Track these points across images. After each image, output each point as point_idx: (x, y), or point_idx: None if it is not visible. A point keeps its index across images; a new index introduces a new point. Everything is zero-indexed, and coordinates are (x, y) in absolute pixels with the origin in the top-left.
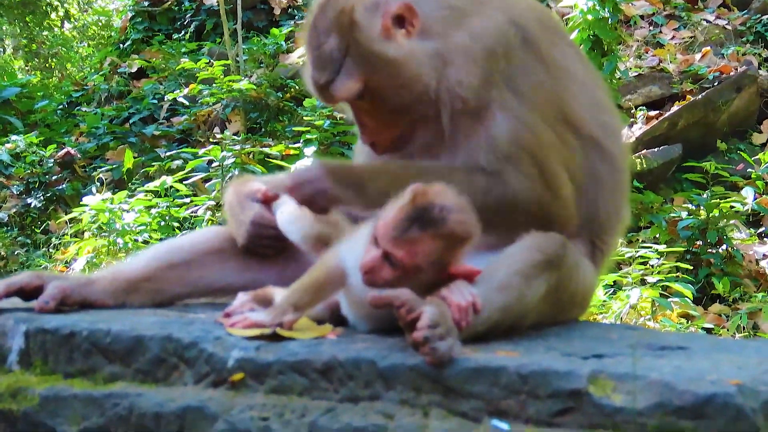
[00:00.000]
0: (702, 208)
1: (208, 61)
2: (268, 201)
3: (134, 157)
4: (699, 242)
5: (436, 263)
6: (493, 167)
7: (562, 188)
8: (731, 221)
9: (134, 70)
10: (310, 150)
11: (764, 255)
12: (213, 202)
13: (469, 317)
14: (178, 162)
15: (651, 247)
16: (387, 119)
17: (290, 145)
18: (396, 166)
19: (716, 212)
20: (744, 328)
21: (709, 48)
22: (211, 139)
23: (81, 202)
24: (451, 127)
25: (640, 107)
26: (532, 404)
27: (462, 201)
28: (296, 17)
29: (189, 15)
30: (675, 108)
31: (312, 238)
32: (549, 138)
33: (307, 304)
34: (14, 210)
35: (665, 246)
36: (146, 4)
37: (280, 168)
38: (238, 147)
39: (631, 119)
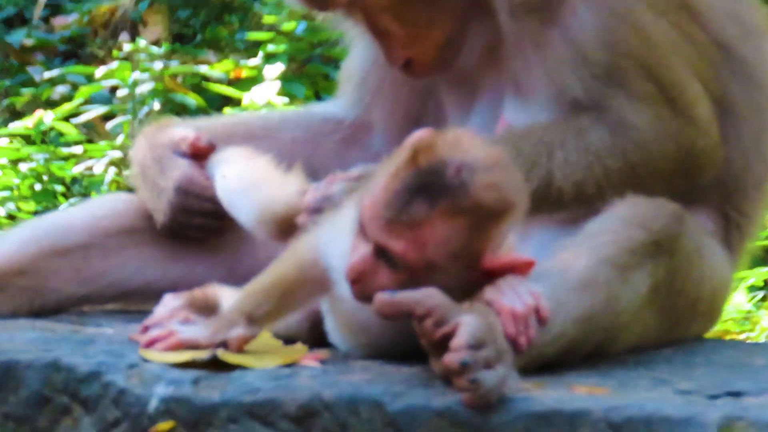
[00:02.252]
0: None
1: None
2: (200, 155)
3: None
4: None
5: (459, 256)
6: (595, 97)
7: (696, 106)
8: None
9: None
10: (273, 69)
11: None
12: (119, 154)
13: (531, 331)
14: (63, 88)
15: None
16: (425, 16)
17: (242, 62)
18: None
19: None
20: None
21: None
22: (115, 53)
23: None
24: (513, 29)
25: None
26: None
27: (493, 151)
28: None
29: None
30: None
31: (273, 219)
32: (663, 32)
33: (270, 314)
34: None
35: None
36: None
37: (226, 99)
38: (158, 65)
39: None
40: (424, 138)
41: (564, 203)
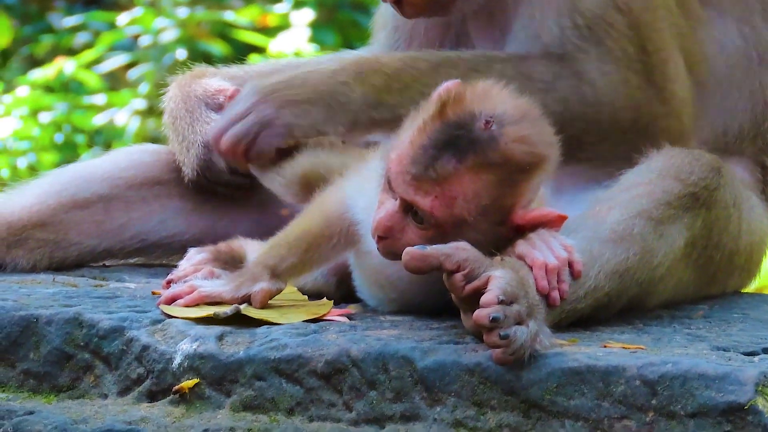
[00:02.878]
0: None
1: None
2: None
3: (11, 28)
4: None
5: (489, 212)
6: (567, 47)
7: (673, 81)
8: None
9: None
10: (301, 16)
11: None
12: (142, 104)
13: (564, 285)
14: (85, 36)
15: None
16: None
17: (269, 9)
18: (428, 59)
19: None
20: None
21: None
22: (138, 0)
23: None
24: None
25: None
26: (665, 428)
27: (523, 104)
28: None
29: None
30: None
31: (297, 181)
32: None
33: (294, 268)
34: None
35: None
36: None
37: (252, 47)
38: (182, 11)
39: None
40: (451, 90)
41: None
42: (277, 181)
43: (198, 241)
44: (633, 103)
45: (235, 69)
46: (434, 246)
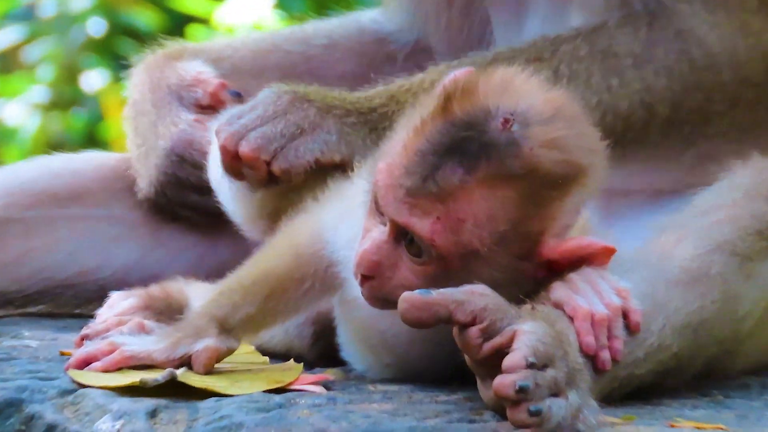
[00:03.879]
0: None
1: None
2: (215, 106)
3: None
4: None
5: (510, 241)
6: (656, 3)
7: None
8: None
9: None
10: None
11: None
12: (45, 94)
13: (616, 343)
14: None
15: None
16: None
17: None
18: (477, 62)
19: None
20: None
21: None
22: None
23: None
24: None
25: None
26: None
27: (555, 97)
28: None
29: None
30: None
31: (264, 214)
32: None
33: (252, 320)
34: None
35: None
36: None
37: (192, 19)
38: None
39: None
40: (459, 80)
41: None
42: (252, 208)
43: (122, 282)
44: (761, 50)
45: (222, 44)
46: (442, 290)
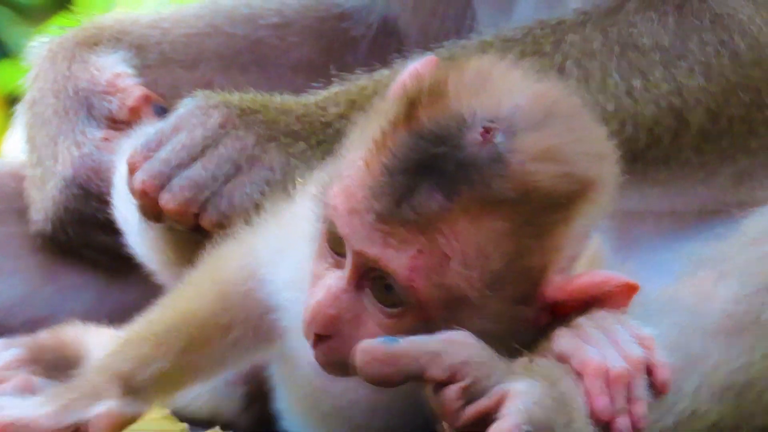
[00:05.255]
0: None
1: None
2: (132, 122)
3: None
4: None
5: (504, 281)
6: None
7: None
8: None
9: None
10: None
11: None
12: None
13: (638, 407)
14: None
15: None
16: None
17: None
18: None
19: None
20: None
21: None
22: None
23: None
24: None
25: None
26: None
27: (546, 91)
28: None
29: None
30: None
31: (186, 260)
32: None
33: (166, 378)
34: None
35: None
36: None
37: None
38: None
39: None
40: (424, 77)
41: (636, 157)
42: (171, 253)
43: (2, 326)
44: None
45: (148, 24)
46: (412, 338)
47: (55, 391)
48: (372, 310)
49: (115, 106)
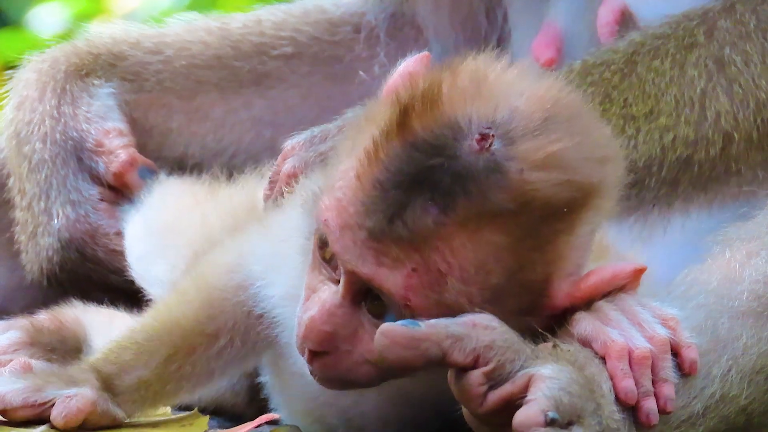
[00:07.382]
0: None
1: None
2: (117, 181)
3: None
4: None
5: (506, 295)
6: None
7: None
8: None
9: None
10: None
11: None
12: None
13: (665, 388)
14: None
15: None
16: None
17: None
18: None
19: None
20: None
21: None
22: None
23: None
24: None
25: None
26: None
27: (544, 91)
28: None
29: None
30: None
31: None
32: None
33: (145, 386)
34: None
35: None
36: None
37: None
38: None
39: None
40: (414, 79)
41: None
42: None
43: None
44: None
45: (149, 49)
46: (434, 322)
47: (34, 374)
48: (368, 326)
49: (102, 167)
